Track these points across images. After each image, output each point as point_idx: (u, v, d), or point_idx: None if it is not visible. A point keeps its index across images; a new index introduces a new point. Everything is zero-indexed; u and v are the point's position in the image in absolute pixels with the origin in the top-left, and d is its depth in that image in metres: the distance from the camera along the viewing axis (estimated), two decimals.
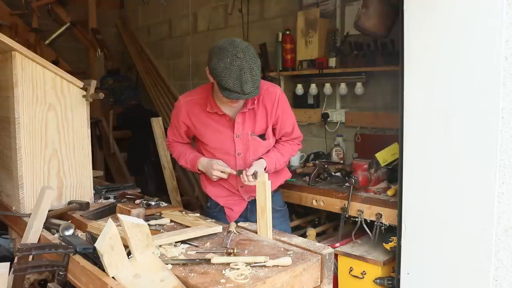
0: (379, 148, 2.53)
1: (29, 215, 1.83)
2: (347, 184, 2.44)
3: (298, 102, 3.37)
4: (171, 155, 2.39)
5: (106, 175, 4.52)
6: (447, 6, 1.75)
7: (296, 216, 2.94)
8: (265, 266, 1.35)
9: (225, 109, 1.98)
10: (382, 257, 2.27)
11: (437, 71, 1.81)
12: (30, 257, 1.49)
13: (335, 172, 2.78)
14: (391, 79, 2.75)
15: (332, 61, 3.01)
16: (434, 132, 1.83)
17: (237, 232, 1.68)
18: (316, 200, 2.58)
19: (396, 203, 2.10)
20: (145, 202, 1.99)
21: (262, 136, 2.04)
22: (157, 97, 4.88)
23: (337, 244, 2.43)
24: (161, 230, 1.73)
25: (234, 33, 3.95)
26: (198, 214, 1.95)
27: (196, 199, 4.26)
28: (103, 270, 1.32)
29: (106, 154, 4.93)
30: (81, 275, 1.41)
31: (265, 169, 1.99)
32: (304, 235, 2.59)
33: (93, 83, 2.06)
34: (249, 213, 2.12)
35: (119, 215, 1.39)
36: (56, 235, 1.71)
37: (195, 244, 1.57)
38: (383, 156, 2.49)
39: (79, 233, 1.74)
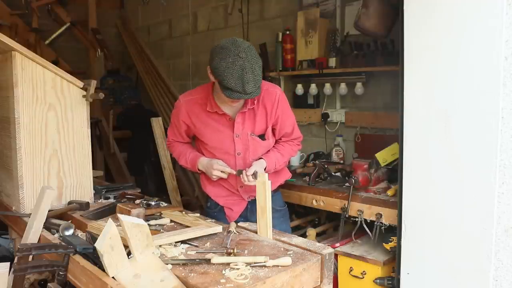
0: (379, 148, 2.53)
1: (29, 215, 1.83)
2: (347, 184, 2.44)
3: (298, 102, 3.37)
4: (171, 154, 2.39)
5: (106, 175, 4.52)
6: (447, 6, 1.75)
7: (296, 216, 2.93)
8: (265, 266, 1.35)
9: (225, 108, 1.98)
10: (382, 257, 2.27)
11: (437, 71, 1.81)
12: (30, 257, 1.49)
13: (335, 172, 2.78)
14: (391, 79, 2.75)
15: (332, 61, 3.01)
16: (434, 132, 1.83)
17: (237, 232, 1.68)
18: (316, 200, 2.58)
19: (396, 203, 2.10)
20: (145, 202, 1.99)
21: (262, 136, 2.04)
22: (157, 97, 4.88)
23: (337, 244, 2.43)
24: (161, 230, 1.73)
25: (234, 33, 3.95)
26: (198, 214, 1.95)
27: (196, 199, 4.26)
28: (103, 270, 1.32)
29: (106, 154, 4.93)
30: (81, 275, 1.41)
31: (265, 169, 1.99)
32: (304, 235, 2.59)
33: (93, 83, 2.06)
34: (249, 213, 2.12)
35: (119, 215, 1.39)
36: (56, 235, 1.71)
37: (195, 244, 1.57)
38: (383, 156, 2.49)
39: (79, 233, 1.74)
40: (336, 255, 2.31)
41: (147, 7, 5.24)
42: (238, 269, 1.32)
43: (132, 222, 1.34)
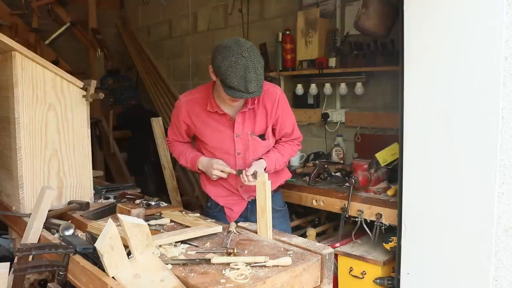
0: (379, 148, 2.53)
1: (29, 215, 1.83)
2: (347, 184, 2.44)
3: (298, 102, 3.37)
4: (171, 154, 2.40)
5: (106, 175, 4.52)
6: (447, 6, 1.75)
7: (296, 216, 2.93)
8: (265, 266, 1.35)
9: (226, 108, 1.98)
10: (382, 257, 2.27)
11: (437, 71, 1.81)
12: (30, 257, 1.49)
13: (335, 172, 2.78)
14: (391, 79, 2.75)
15: (332, 61, 3.01)
16: (434, 132, 1.83)
17: (237, 232, 1.68)
18: (316, 200, 2.58)
19: (396, 203, 2.10)
20: (145, 202, 1.99)
21: (262, 136, 2.04)
22: (157, 97, 4.88)
23: (337, 244, 2.43)
24: (161, 230, 1.73)
25: (234, 33, 3.95)
26: (198, 214, 1.95)
27: (196, 199, 4.26)
28: (103, 270, 1.32)
29: (106, 154, 4.93)
30: (81, 275, 1.41)
31: (265, 169, 1.99)
32: (304, 235, 2.59)
33: (93, 83, 2.06)
34: (249, 213, 2.12)
35: (119, 215, 1.39)
36: (56, 235, 1.71)
37: (195, 244, 1.57)
38: (383, 156, 2.50)
39: (79, 233, 1.74)
40: (336, 255, 2.32)
41: (147, 7, 5.24)
42: (238, 269, 1.32)
43: (132, 222, 1.34)
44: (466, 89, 1.72)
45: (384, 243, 2.26)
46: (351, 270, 2.34)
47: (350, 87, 3.04)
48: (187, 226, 1.73)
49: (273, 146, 2.11)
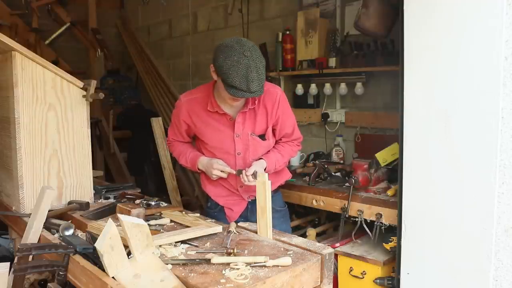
0: (379, 148, 2.53)
1: (29, 215, 1.83)
2: (347, 184, 2.44)
3: (298, 102, 3.37)
4: (171, 154, 2.39)
5: (106, 175, 4.52)
6: (447, 6, 1.75)
7: (296, 216, 2.93)
8: (265, 266, 1.35)
9: (226, 108, 1.98)
10: (382, 257, 2.27)
11: (437, 71, 1.81)
12: (30, 257, 1.49)
13: (335, 172, 2.78)
14: (391, 79, 2.75)
15: (332, 61, 3.01)
16: (434, 132, 1.83)
17: (237, 232, 1.68)
18: (316, 200, 2.58)
19: (396, 203, 2.10)
20: (145, 202, 1.99)
21: (262, 137, 2.04)
22: (157, 97, 4.88)
23: (337, 244, 2.43)
24: (161, 230, 1.73)
25: (234, 33, 3.95)
26: (198, 214, 1.95)
27: (196, 199, 4.26)
28: (103, 270, 1.32)
29: (106, 154, 4.93)
30: (81, 275, 1.41)
31: (265, 169, 1.99)
32: (304, 235, 2.59)
33: (93, 83, 2.06)
34: (249, 213, 2.12)
35: (119, 215, 1.39)
36: (56, 235, 1.71)
37: (195, 244, 1.57)
38: (383, 156, 2.50)
39: (79, 233, 1.74)
40: (336, 255, 2.32)
41: (147, 7, 5.24)
42: (238, 269, 1.32)
43: (132, 222, 1.34)
44: (466, 89, 1.72)
45: (384, 243, 2.26)
46: (351, 270, 2.34)
47: (350, 87, 3.04)
48: (187, 226, 1.73)
49: (273, 147, 2.11)
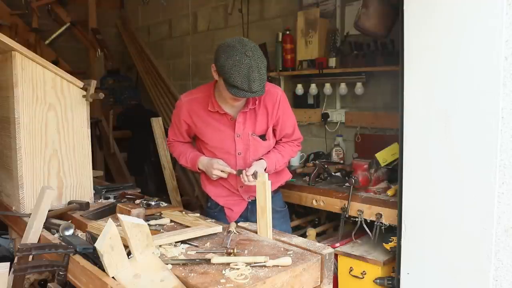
0: (379, 148, 2.53)
1: (29, 215, 1.83)
2: (347, 184, 2.44)
3: (298, 102, 3.37)
4: (171, 154, 2.39)
5: (106, 175, 4.52)
6: (447, 6, 1.75)
7: (296, 216, 2.93)
8: (265, 266, 1.35)
9: (227, 108, 1.98)
10: (382, 257, 2.27)
11: (437, 71, 1.81)
12: (30, 257, 1.49)
13: (335, 172, 2.78)
14: (391, 79, 2.75)
15: (332, 61, 3.01)
16: (434, 132, 1.83)
17: (237, 232, 1.68)
18: (316, 200, 2.58)
19: (396, 203, 2.10)
20: (145, 202, 1.99)
21: (263, 137, 2.04)
22: (157, 97, 4.88)
23: (337, 244, 2.43)
24: (161, 230, 1.73)
25: (234, 33, 3.95)
26: (198, 214, 1.95)
27: (196, 199, 4.26)
28: (103, 270, 1.32)
29: (106, 154, 4.93)
30: (81, 275, 1.41)
31: (265, 169, 1.99)
32: (304, 235, 2.59)
33: (93, 83, 2.06)
34: (249, 213, 2.12)
35: (119, 215, 1.39)
36: (56, 235, 1.71)
37: (195, 244, 1.57)
38: (383, 156, 2.49)
39: (79, 233, 1.74)
40: (336, 255, 2.32)
41: (147, 7, 5.24)
42: (238, 269, 1.32)
43: (132, 222, 1.34)
44: (466, 89, 1.72)
45: (384, 243, 2.26)
46: (351, 270, 2.34)
47: (350, 87, 3.04)
48: (187, 226, 1.73)
49: (274, 147, 2.11)
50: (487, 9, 1.63)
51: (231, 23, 4.09)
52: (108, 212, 1.94)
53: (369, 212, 2.32)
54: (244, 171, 1.94)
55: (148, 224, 1.49)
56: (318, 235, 2.72)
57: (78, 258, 1.44)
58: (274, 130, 2.08)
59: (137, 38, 5.30)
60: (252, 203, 2.08)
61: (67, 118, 2.05)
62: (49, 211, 1.76)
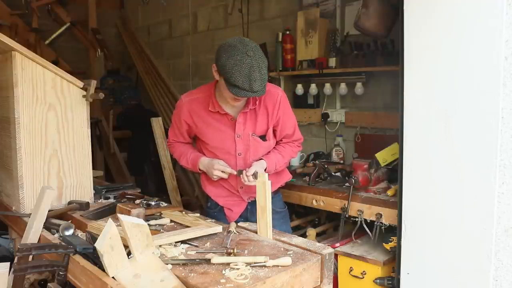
0: (379, 148, 2.52)
1: (29, 215, 1.83)
2: (347, 184, 2.43)
3: (298, 102, 3.37)
4: (171, 155, 2.39)
5: (106, 175, 4.52)
6: (447, 6, 1.75)
7: (296, 216, 2.93)
8: (265, 266, 1.35)
9: (227, 108, 1.98)
10: (382, 257, 2.27)
11: (437, 71, 1.81)
12: (30, 257, 1.49)
13: (335, 172, 2.78)
14: (391, 79, 2.75)
15: (332, 61, 3.01)
16: (434, 132, 1.83)
17: (237, 232, 1.68)
18: (316, 200, 2.58)
19: (396, 203, 2.10)
20: (145, 202, 1.99)
21: (263, 137, 2.04)
22: (157, 97, 4.88)
23: (337, 244, 2.43)
24: (161, 230, 1.73)
25: (234, 33, 3.95)
26: (198, 214, 1.95)
27: (196, 199, 4.26)
28: (103, 270, 1.32)
29: (106, 154, 4.92)
30: (81, 275, 1.41)
31: (265, 170, 1.99)
32: (304, 235, 2.59)
33: (93, 83, 2.06)
34: (249, 214, 2.12)
35: (119, 215, 1.39)
36: (56, 235, 1.71)
37: (195, 244, 1.57)
38: (383, 156, 2.49)
39: (79, 233, 1.74)
40: (336, 255, 2.32)
41: (147, 7, 5.24)
42: (238, 269, 1.32)
43: (132, 222, 1.34)
44: (466, 89, 1.72)
45: (384, 243, 2.26)
46: (351, 270, 2.34)
47: (350, 87, 3.04)
48: (187, 226, 1.73)
49: (274, 147, 2.11)
50: (487, 9, 1.63)
51: (231, 23, 4.09)
52: (108, 212, 1.94)
53: (369, 212, 2.32)
54: (244, 171, 1.94)
55: (148, 224, 1.49)
56: (318, 235, 2.72)
57: (78, 258, 1.44)
58: (274, 131, 2.08)
59: (137, 38, 5.30)
60: (252, 204, 2.08)
61: (67, 118, 2.05)
62: (49, 211, 1.76)
